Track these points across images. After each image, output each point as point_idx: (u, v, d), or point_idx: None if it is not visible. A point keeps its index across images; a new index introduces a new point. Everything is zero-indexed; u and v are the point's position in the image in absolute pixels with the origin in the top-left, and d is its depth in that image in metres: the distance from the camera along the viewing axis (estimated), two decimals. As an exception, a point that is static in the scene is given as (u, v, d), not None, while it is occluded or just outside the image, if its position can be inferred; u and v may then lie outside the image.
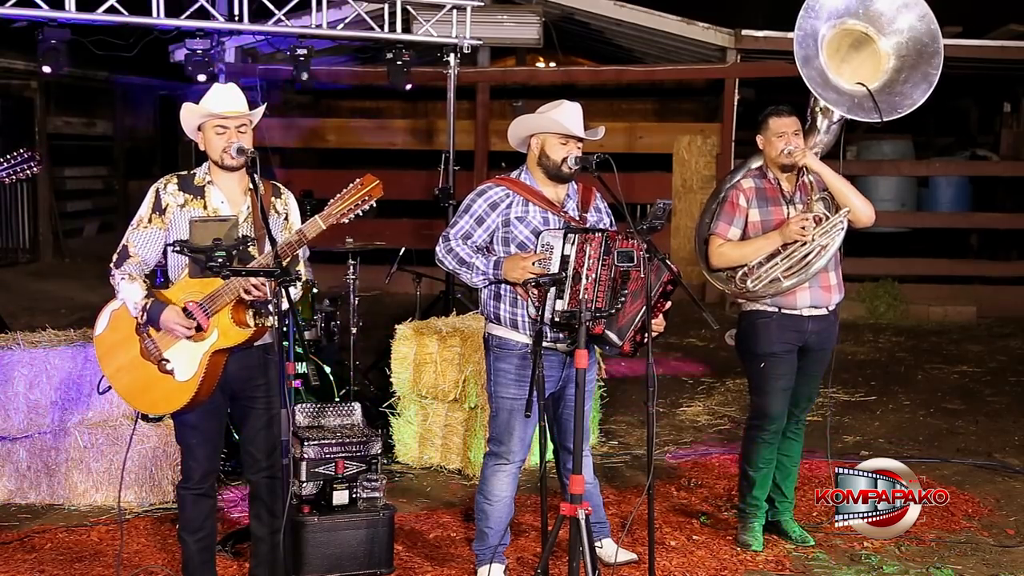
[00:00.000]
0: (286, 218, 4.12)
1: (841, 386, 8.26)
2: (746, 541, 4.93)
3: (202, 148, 4.01)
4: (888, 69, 4.97)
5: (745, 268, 4.76)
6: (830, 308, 4.84)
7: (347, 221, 3.94)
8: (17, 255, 15.05)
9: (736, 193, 4.82)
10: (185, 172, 4.07)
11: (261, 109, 4.06)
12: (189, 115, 3.99)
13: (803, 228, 4.64)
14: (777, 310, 4.79)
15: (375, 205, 3.97)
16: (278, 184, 4.19)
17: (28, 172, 5.15)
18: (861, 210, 4.74)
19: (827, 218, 4.73)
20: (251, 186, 3.88)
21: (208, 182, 4.00)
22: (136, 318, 3.89)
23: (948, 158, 14.21)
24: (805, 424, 5.10)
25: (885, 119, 4.85)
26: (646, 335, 4.01)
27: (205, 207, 3.96)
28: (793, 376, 4.86)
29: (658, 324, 4.18)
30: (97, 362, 4.07)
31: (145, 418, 5.07)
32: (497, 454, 4.43)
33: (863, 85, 4.88)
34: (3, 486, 5.49)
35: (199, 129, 4.00)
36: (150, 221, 3.97)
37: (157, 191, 3.99)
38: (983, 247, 13.84)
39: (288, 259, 3.91)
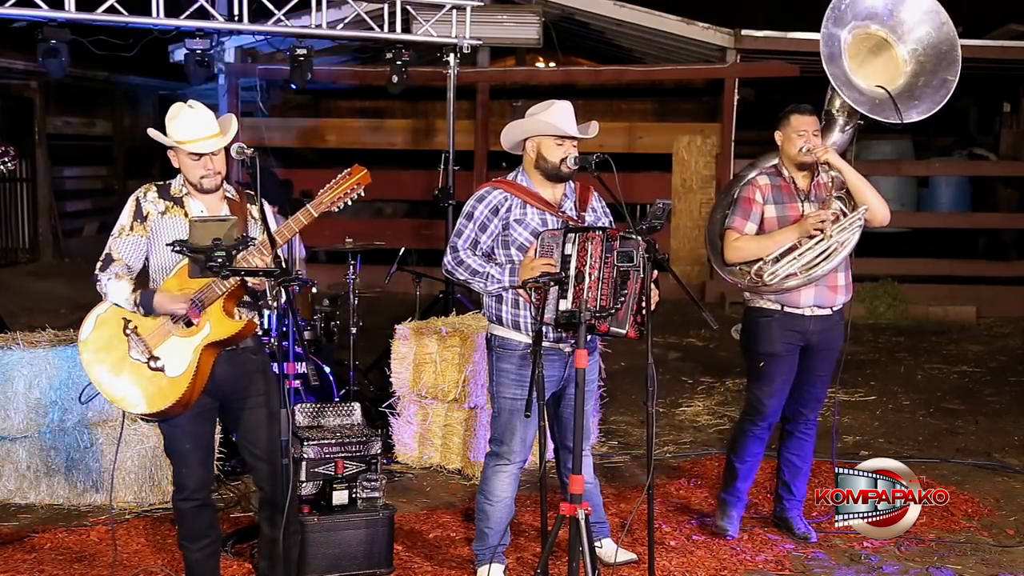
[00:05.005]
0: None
1: (841, 386, 8.24)
2: (723, 527, 5.03)
3: (175, 166, 3.97)
4: (906, 73, 5.01)
5: (761, 262, 4.78)
6: (834, 308, 4.86)
7: (336, 210, 3.96)
8: (17, 255, 15.04)
9: (752, 189, 4.86)
10: (162, 182, 4.05)
11: (233, 127, 3.96)
12: (157, 138, 3.92)
13: (821, 222, 4.69)
14: (780, 308, 4.81)
15: (363, 194, 3.97)
16: (252, 192, 4.14)
17: (2, 168, 5.10)
18: (878, 208, 4.79)
19: (845, 215, 4.77)
20: (247, 192, 3.86)
21: (185, 194, 4.00)
22: (124, 320, 3.86)
23: (948, 158, 14.21)
24: (816, 425, 5.11)
25: (905, 121, 4.90)
26: (644, 314, 4.00)
27: (186, 215, 3.94)
28: (792, 375, 4.88)
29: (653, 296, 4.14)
30: (83, 368, 3.98)
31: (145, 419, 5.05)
32: (498, 454, 4.43)
33: (883, 88, 4.92)
34: (3, 486, 5.49)
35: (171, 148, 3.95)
36: (132, 229, 3.96)
37: (137, 199, 3.98)
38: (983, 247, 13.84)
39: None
